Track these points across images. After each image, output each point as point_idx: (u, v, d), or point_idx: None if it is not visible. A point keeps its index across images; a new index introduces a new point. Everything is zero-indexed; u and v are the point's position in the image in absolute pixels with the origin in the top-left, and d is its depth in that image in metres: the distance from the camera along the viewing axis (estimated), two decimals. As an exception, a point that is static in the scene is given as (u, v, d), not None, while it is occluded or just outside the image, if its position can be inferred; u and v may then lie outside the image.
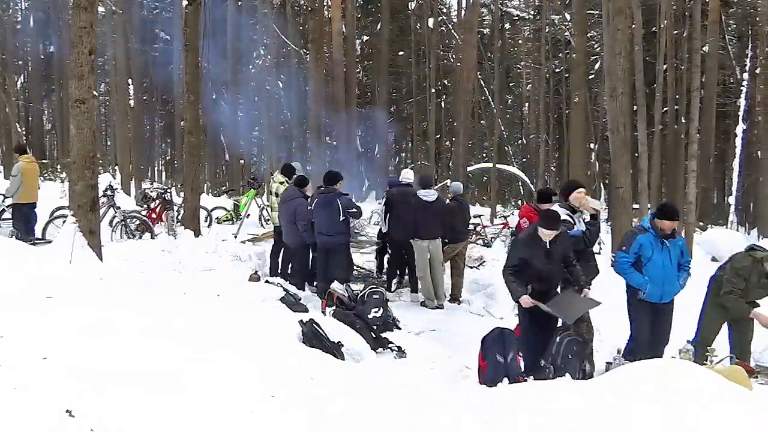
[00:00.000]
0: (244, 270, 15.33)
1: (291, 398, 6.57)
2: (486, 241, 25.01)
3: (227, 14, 41.28)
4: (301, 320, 9.53)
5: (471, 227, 22.16)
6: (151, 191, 20.90)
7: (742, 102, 40.11)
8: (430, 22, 43.20)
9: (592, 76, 44.14)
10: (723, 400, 6.24)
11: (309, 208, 14.20)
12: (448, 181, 26.24)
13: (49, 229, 17.56)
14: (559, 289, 10.12)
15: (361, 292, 12.81)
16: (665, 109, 38.59)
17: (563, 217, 10.37)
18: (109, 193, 18.70)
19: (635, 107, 29.62)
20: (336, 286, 12.95)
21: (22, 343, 6.22)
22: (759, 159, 38.51)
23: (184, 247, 17.37)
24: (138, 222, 18.46)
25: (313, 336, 9.16)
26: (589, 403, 6.77)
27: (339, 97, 32.22)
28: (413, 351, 10.87)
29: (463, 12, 46.40)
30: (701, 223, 35.29)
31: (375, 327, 11.22)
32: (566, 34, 45.68)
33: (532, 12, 56.60)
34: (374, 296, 12.43)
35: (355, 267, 17.09)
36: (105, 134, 54.33)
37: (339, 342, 8.96)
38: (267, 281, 14.38)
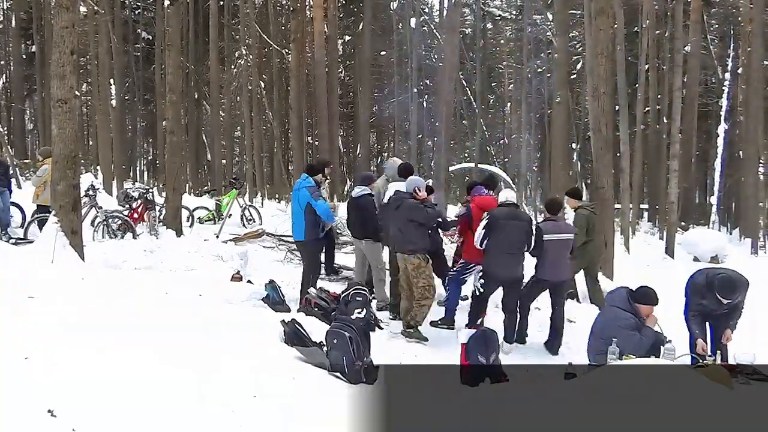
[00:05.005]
0: (226, 270, 15.28)
1: (272, 398, 6.58)
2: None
3: (209, 14, 41.25)
4: (283, 320, 9.51)
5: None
6: (133, 191, 20.82)
7: (724, 102, 40.25)
8: (412, 22, 43.16)
9: (574, 76, 44.25)
10: (703, 399, 6.26)
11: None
12: (431, 180, 26.17)
13: (31, 229, 17.52)
14: None
15: (344, 293, 12.75)
16: (647, 108, 38.72)
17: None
18: (90, 192, 18.62)
19: (617, 107, 29.66)
20: (311, 291, 12.92)
21: (3, 343, 6.21)
22: (741, 159, 38.62)
23: (166, 246, 17.35)
24: (120, 222, 18.39)
25: (294, 336, 9.14)
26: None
27: (321, 97, 32.19)
28: (397, 352, 10.86)
29: (445, 12, 46.42)
30: (683, 223, 35.44)
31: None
32: (548, 34, 45.72)
33: (514, 12, 56.63)
34: (357, 298, 12.35)
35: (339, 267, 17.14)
36: (87, 134, 54.15)
37: (321, 342, 8.95)
38: (249, 281, 14.37)
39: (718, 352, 9.98)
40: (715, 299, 9.77)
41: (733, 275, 9.89)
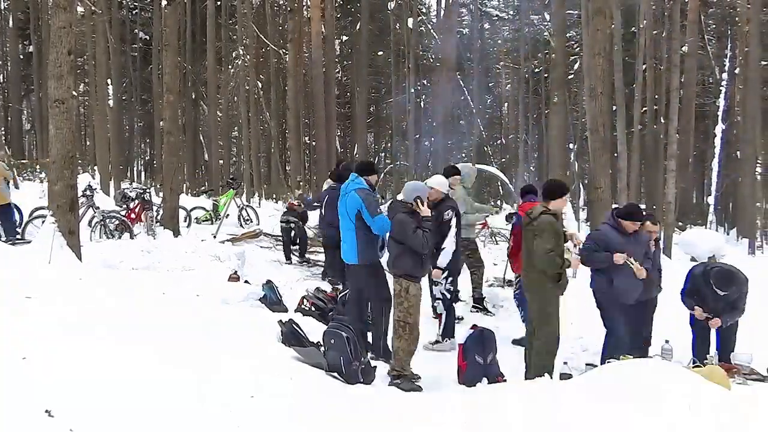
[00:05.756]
0: (224, 270, 15.26)
1: (270, 398, 6.59)
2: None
3: (206, 14, 41.25)
4: (281, 320, 9.50)
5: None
6: (131, 191, 20.79)
7: (721, 102, 40.24)
8: (410, 22, 43.15)
9: (572, 76, 44.23)
10: (701, 399, 6.26)
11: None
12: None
13: (29, 229, 17.50)
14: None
15: (341, 293, 12.75)
16: (644, 108, 38.65)
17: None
18: (88, 193, 18.60)
19: (614, 107, 29.67)
20: (308, 290, 12.92)
21: (0, 343, 6.21)
22: (738, 159, 38.61)
23: (163, 247, 17.33)
24: (117, 222, 18.37)
25: (292, 336, 9.13)
26: (565, 403, 6.80)
27: (318, 97, 32.19)
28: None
29: (442, 12, 46.48)
30: (680, 223, 35.39)
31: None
32: (545, 34, 45.73)
33: (511, 12, 56.63)
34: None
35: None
36: (84, 134, 54.09)
37: (318, 342, 8.94)
38: (246, 281, 14.36)
39: (716, 353, 9.96)
40: (711, 290, 9.79)
41: (731, 268, 9.91)
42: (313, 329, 9.58)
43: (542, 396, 7.33)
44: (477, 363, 9.44)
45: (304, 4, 38.57)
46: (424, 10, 54.20)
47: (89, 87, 42.80)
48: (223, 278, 14.35)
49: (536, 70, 51.02)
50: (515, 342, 12.02)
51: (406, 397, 8.38)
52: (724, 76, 41.44)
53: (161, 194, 21.78)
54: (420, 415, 7.50)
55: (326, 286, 14.07)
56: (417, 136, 45.40)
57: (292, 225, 18.84)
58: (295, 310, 12.22)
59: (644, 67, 36.37)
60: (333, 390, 7.84)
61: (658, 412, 6.09)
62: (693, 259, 25.90)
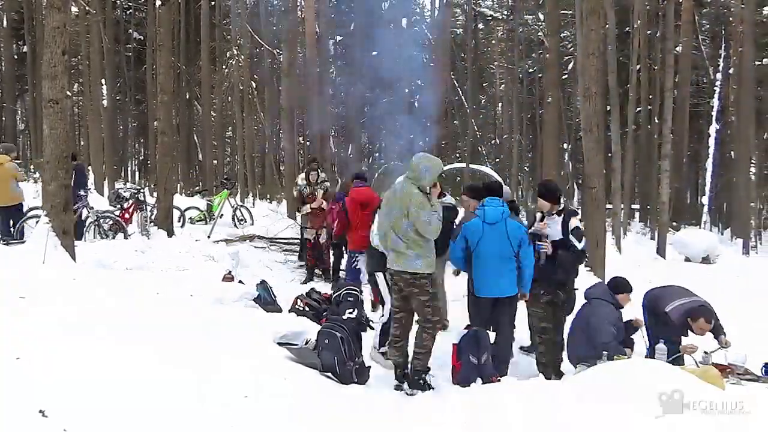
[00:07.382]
0: (218, 270, 15.22)
1: (270, 398, 6.58)
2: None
3: (200, 14, 41.21)
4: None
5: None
6: (125, 191, 20.76)
7: (715, 102, 40.23)
8: (404, 22, 43.10)
9: (566, 76, 44.23)
10: (695, 399, 6.26)
11: None
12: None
13: (23, 229, 17.47)
14: None
15: (335, 293, 12.73)
16: (639, 109, 38.73)
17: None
18: (82, 193, 18.58)
19: (608, 107, 29.67)
20: (304, 291, 12.93)
21: (-2, 343, 6.20)
22: (732, 159, 38.70)
23: (157, 247, 17.31)
24: (111, 222, 18.34)
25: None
26: (564, 403, 6.80)
27: (312, 97, 32.13)
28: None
29: (436, 12, 46.41)
30: (674, 223, 35.44)
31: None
32: (539, 34, 45.78)
33: (505, 12, 56.63)
34: (349, 298, 12.31)
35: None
36: (78, 134, 54.01)
37: (309, 340, 8.92)
38: (240, 282, 14.34)
39: (713, 353, 9.93)
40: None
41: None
42: (308, 329, 9.57)
43: (540, 396, 7.34)
44: (471, 363, 9.43)
45: (298, 4, 38.55)
46: (417, 10, 54.21)
47: (83, 87, 42.65)
48: (218, 278, 14.31)
49: (530, 70, 51.01)
50: (522, 349, 11.98)
51: (405, 397, 8.37)
52: (718, 76, 41.47)
53: (155, 194, 21.73)
54: (420, 415, 7.50)
55: (321, 287, 14.11)
56: (412, 136, 45.44)
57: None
58: (289, 311, 12.22)
59: (638, 67, 36.48)
60: (330, 390, 7.84)
61: (652, 411, 6.09)
62: (687, 259, 25.93)
